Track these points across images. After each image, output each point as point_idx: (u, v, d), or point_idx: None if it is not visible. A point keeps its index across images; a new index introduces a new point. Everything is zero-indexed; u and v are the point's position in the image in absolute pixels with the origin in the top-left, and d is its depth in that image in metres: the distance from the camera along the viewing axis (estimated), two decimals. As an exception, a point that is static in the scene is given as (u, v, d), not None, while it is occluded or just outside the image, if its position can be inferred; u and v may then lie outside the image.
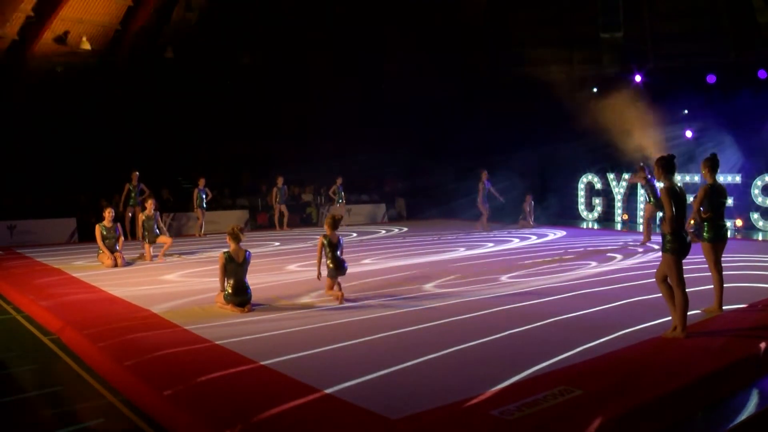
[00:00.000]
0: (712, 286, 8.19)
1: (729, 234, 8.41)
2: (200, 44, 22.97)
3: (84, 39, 20.83)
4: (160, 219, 13.88)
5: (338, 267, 9.39)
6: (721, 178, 19.27)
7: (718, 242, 8.04)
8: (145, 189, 17.36)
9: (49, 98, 20.53)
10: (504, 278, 10.94)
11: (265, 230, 20.31)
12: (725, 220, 8.24)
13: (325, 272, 9.38)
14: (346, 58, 24.67)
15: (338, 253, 9.43)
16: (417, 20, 24.41)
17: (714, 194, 8.03)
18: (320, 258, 9.38)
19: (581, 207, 22.66)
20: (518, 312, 8.35)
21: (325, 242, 9.37)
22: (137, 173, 17.32)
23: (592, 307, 8.50)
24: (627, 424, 4.87)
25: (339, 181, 20.70)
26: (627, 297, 9.08)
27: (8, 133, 19.52)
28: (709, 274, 8.21)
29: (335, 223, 9.48)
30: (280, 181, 19.84)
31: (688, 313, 6.93)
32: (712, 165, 8.18)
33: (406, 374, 5.91)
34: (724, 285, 8.20)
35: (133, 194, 17.16)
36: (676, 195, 6.87)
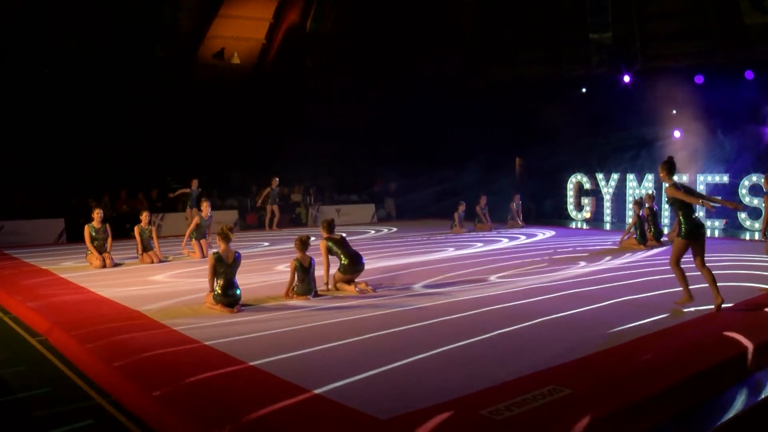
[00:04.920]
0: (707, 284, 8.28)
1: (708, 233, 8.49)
2: (190, 43, 22.91)
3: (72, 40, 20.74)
4: (154, 233, 13.60)
5: (306, 291, 9.39)
6: (709, 178, 19.43)
7: (692, 239, 8.15)
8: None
9: (37, 99, 20.42)
10: (493, 278, 10.95)
11: (254, 230, 20.27)
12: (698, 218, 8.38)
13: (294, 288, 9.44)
14: (338, 59, 24.68)
15: (310, 276, 9.45)
16: (410, 21, 24.43)
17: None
18: (292, 280, 9.39)
19: (570, 207, 22.74)
20: (507, 312, 8.36)
21: (297, 265, 9.36)
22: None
23: (580, 306, 8.53)
24: (616, 423, 4.89)
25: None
26: (615, 296, 9.12)
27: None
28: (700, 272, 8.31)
29: (304, 245, 9.47)
30: (275, 182, 19.85)
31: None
32: (670, 168, 8.33)
33: (395, 374, 5.91)
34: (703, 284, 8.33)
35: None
36: None
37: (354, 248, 10.22)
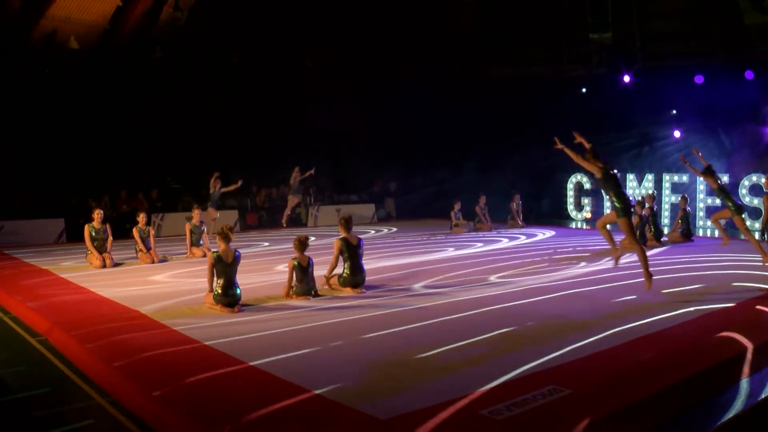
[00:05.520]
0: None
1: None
2: (189, 44, 22.91)
3: (72, 38, 20.76)
4: (151, 234, 13.56)
5: (305, 291, 9.39)
6: (709, 178, 19.43)
7: (627, 216, 9.06)
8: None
9: (37, 98, 20.42)
10: (493, 278, 10.95)
11: (254, 230, 20.27)
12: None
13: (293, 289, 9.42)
14: (338, 59, 24.69)
15: (309, 276, 9.43)
16: (410, 20, 24.43)
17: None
18: (290, 280, 9.38)
19: (570, 207, 22.73)
20: (507, 312, 8.36)
21: (295, 265, 9.34)
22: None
23: (580, 306, 8.54)
24: (616, 424, 4.89)
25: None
26: (615, 296, 9.13)
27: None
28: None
29: (303, 246, 9.42)
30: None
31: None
32: (596, 153, 9.34)
33: (395, 374, 5.90)
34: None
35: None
36: None
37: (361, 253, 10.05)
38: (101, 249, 12.80)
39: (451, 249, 15.06)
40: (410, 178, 24.52)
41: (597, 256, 13.53)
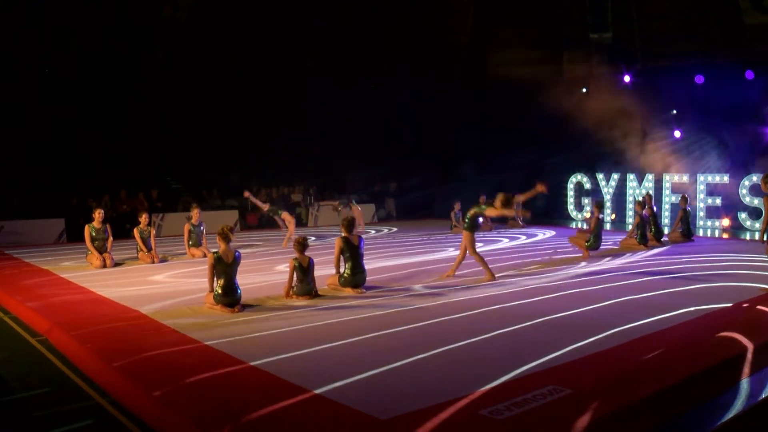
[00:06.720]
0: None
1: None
2: (189, 43, 22.91)
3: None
4: (152, 235, 13.53)
5: (306, 291, 9.39)
6: (709, 178, 19.46)
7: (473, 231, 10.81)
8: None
9: (36, 98, 20.43)
10: (493, 278, 10.95)
11: (255, 230, 20.26)
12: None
13: (294, 289, 9.42)
14: (338, 59, 24.67)
15: (309, 276, 9.43)
16: (409, 20, 24.44)
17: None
18: (291, 280, 9.37)
19: (570, 207, 22.73)
20: (507, 312, 8.36)
21: (296, 265, 9.34)
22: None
23: (581, 306, 8.53)
24: (616, 424, 4.88)
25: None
26: (615, 296, 9.12)
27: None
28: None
29: (302, 247, 9.42)
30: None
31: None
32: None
33: (395, 374, 5.90)
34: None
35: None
36: None
37: (362, 253, 10.04)
38: (101, 249, 12.80)
39: (451, 249, 15.06)
40: (410, 179, 24.52)
41: (597, 256, 13.53)
